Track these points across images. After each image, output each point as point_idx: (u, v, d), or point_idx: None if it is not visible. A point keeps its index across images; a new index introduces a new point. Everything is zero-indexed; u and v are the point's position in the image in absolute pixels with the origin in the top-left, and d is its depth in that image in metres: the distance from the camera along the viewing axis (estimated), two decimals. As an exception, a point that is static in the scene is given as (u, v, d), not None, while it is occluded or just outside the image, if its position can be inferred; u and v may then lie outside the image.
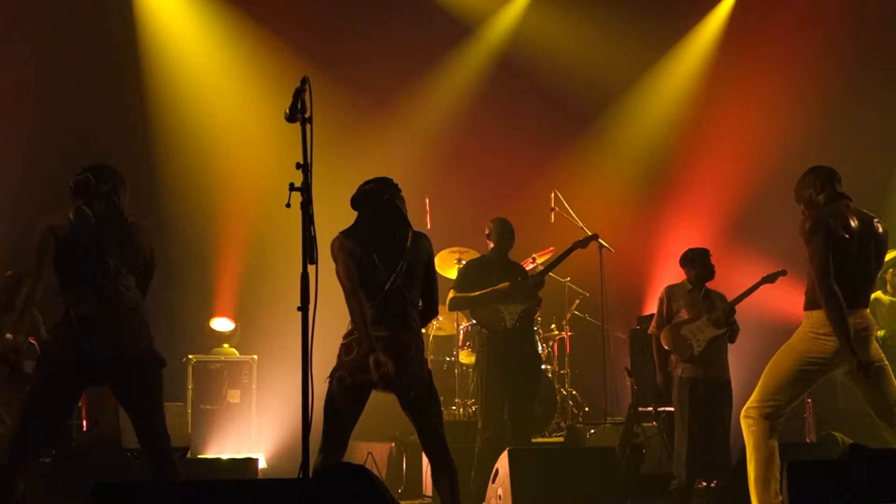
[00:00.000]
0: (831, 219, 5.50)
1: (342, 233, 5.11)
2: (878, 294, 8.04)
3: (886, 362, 5.58)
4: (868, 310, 5.61)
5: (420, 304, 5.21)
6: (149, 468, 5.09)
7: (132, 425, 5.15)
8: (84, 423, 7.70)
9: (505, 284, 7.23)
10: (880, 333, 7.54)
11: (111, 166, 5.17)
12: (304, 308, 4.07)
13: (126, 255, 5.02)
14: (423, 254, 5.15)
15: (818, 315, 5.48)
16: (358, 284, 4.96)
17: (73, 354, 4.85)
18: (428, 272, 5.22)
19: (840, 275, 5.44)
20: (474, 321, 7.43)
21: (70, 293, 4.93)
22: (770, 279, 7.42)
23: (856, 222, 5.53)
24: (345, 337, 5.05)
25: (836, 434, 6.92)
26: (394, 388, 5.02)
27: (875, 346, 5.57)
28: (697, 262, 7.38)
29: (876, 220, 5.64)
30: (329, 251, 5.05)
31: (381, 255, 5.05)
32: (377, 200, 5.10)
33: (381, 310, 4.99)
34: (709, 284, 7.43)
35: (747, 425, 5.60)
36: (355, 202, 5.15)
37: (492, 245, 7.52)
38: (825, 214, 5.55)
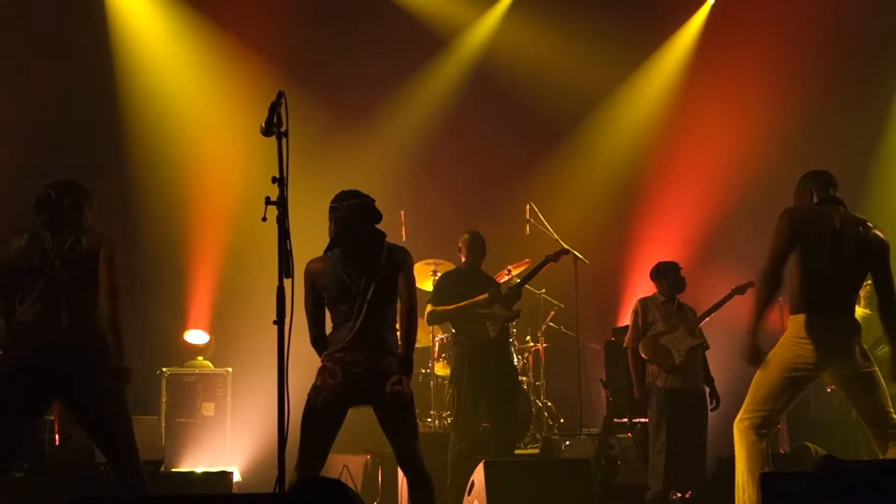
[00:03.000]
0: (805, 218, 5.53)
1: (314, 259, 5.12)
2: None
3: (875, 368, 5.56)
4: (853, 315, 5.61)
5: (400, 310, 5.19)
6: (116, 484, 5.05)
7: (95, 442, 5.11)
8: (56, 437, 7.63)
9: (484, 295, 7.28)
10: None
11: (74, 181, 5.17)
12: (279, 322, 4.07)
13: (85, 268, 4.99)
14: (396, 269, 5.13)
15: (801, 319, 5.47)
16: (317, 319, 5.06)
17: (27, 368, 4.83)
18: (406, 284, 5.15)
19: (813, 276, 5.46)
20: (455, 331, 7.46)
21: (25, 307, 4.92)
22: (740, 291, 7.48)
23: (839, 226, 5.53)
24: (324, 355, 5.07)
25: (808, 445, 6.97)
26: (373, 403, 5.03)
27: (863, 351, 5.53)
28: (669, 276, 7.44)
29: (872, 227, 5.58)
30: (308, 253, 5.07)
31: (357, 274, 5.05)
32: (355, 223, 5.10)
33: (359, 337, 4.99)
34: (681, 296, 7.49)
35: (738, 434, 5.57)
36: (336, 219, 5.15)
37: (464, 258, 7.58)
38: (799, 211, 5.58)
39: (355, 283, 5.03)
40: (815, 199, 5.65)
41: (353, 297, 5.03)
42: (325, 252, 5.12)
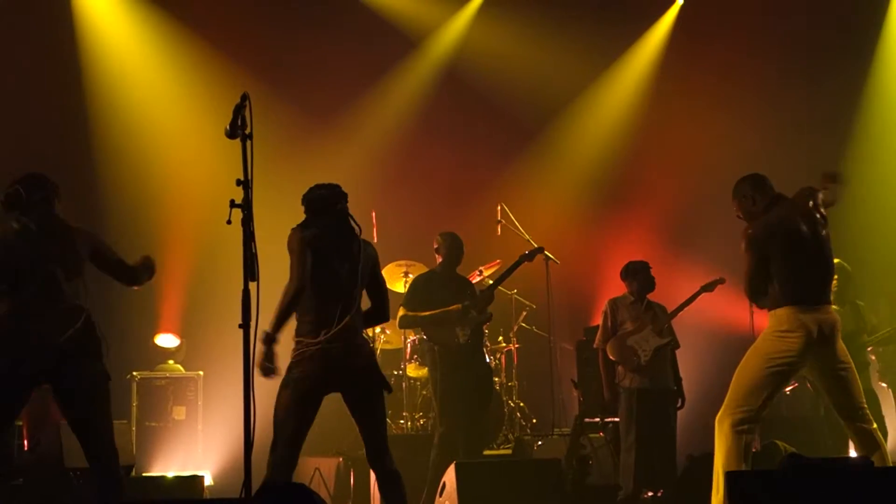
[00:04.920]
0: (766, 232, 5.58)
1: (300, 226, 5.15)
2: None
3: (852, 364, 5.63)
4: (831, 309, 5.66)
5: (371, 308, 5.32)
6: (93, 487, 5.03)
7: (79, 441, 5.10)
8: (25, 442, 7.57)
9: (457, 306, 7.25)
10: None
11: (42, 174, 5.15)
12: (245, 325, 4.06)
13: (69, 263, 4.99)
14: (369, 262, 5.24)
15: (781, 313, 5.52)
16: (307, 273, 5.00)
17: (15, 364, 4.80)
18: (376, 279, 5.33)
19: (789, 272, 5.51)
20: (425, 337, 7.44)
21: (14, 302, 4.88)
22: (709, 288, 7.54)
23: (798, 221, 5.59)
24: (300, 341, 5.08)
25: (777, 442, 7.00)
26: (344, 389, 5.09)
27: (842, 347, 5.61)
28: (640, 275, 7.47)
29: (818, 192, 5.68)
30: (276, 256, 5.09)
31: (339, 262, 5.11)
32: (332, 208, 5.17)
33: (338, 318, 5.04)
34: (651, 295, 7.52)
35: (718, 431, 5.59)
36: (309, 205, 5.20)
37: (440, 259, 7.53)
38: (762, 226, 5.62)
39: (342, 269, 5.07)
40: (759, 203, 5.70)
41: (338, 285, 5.05)
42: (303, 226, 5.14)
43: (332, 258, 5.11)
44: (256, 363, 4.71)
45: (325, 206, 5.18)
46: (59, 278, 4.94)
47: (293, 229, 5.14)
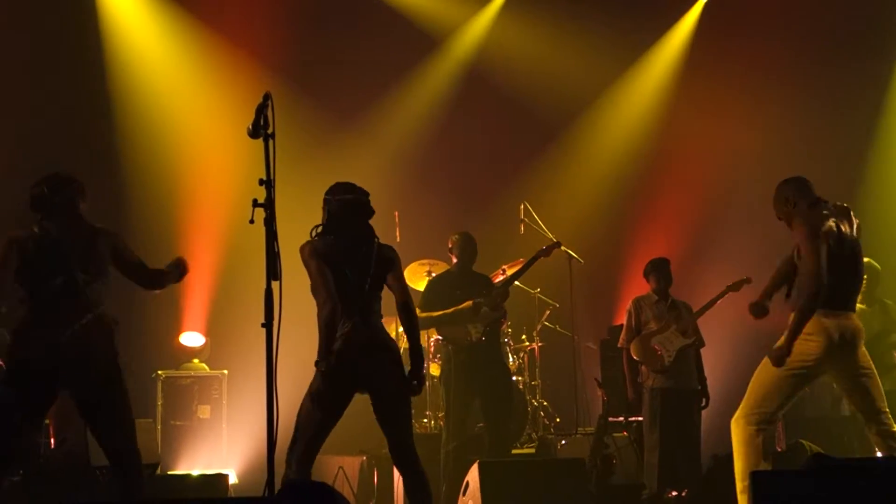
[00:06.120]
0: (825, 221, 5.54)
1: (314, 237, 5.17)
2: None
3: (873, 368, 5.61)
4: (855, 315, 5.63)
5: (398, 307, 5.32)
6: (116, 486, 5.06)
7: (97, 441, 5.13)
8: (52, 440, 7.63)
9: (468, 303, 7.26)
10: None
11: (67, 174, 5.16)
12: (268, 325, 4.07)
13: (91, 265, 5.01)
14: (383, 263, 5.22)
15: None
16: (333, 290, 5.00)
17: (39, 365, 4.84)
18: (397, 279, 5.30)
19: (833, 281, 5.48)
20: (440, 337, 7.45)
21: (36, 305, 4.92)
22: (735, 288, 7.49)
23: (838, 226, 5.58)
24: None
25: (803, 442, 6.97)
26: (372, 390, 5.11)
27: (863, 352, 5.59)
28: (660, 272, 7.44)
29: (850, 211, 5.69)
30: (297, 260, 5.08)
31: (352, 267, 5.12)
32: (353, 220, 5.15)
33: (359, 315, 5.09)
34: (676, 294, 7.49)
35: (735, 430, 5.59)
36: (332, 212, 5.20)
37: (455, 259, 7.56)
38: (819, 217, 5.58)
39: (353, 274, 5.06)
40: (803, 203, 5.66)
41: (350, 288, 5.04)
42: (318, 237, 5.15)
43: (343, 264, 5.10)
44: (315, 394, 4.90)
45: (348, 217, 5.18)
46: (78, 282, 4.94)
47: (306, 243, 5.14)
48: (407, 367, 5.31)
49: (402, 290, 5.29)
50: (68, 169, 5.37)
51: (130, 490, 4.95)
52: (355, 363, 5.04)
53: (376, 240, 5.25)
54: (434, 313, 7.29)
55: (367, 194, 5.28)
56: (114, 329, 5.06)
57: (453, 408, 7.23)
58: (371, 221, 5.31)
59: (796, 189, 5.74)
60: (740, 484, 5.55)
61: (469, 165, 10.84)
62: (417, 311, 7.28)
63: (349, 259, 5.12)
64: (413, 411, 5.42)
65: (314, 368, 5.07)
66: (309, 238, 5.20)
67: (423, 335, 8.96)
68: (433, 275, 8.68)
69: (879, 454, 5.62)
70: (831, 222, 5.58)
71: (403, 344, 9.14)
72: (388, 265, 5.24)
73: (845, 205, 5.74)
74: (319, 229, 5.23)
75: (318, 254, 5.07)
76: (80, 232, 5.05)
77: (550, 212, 9.32)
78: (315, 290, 5.06)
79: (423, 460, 5.22)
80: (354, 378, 5.09)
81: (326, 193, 5.28)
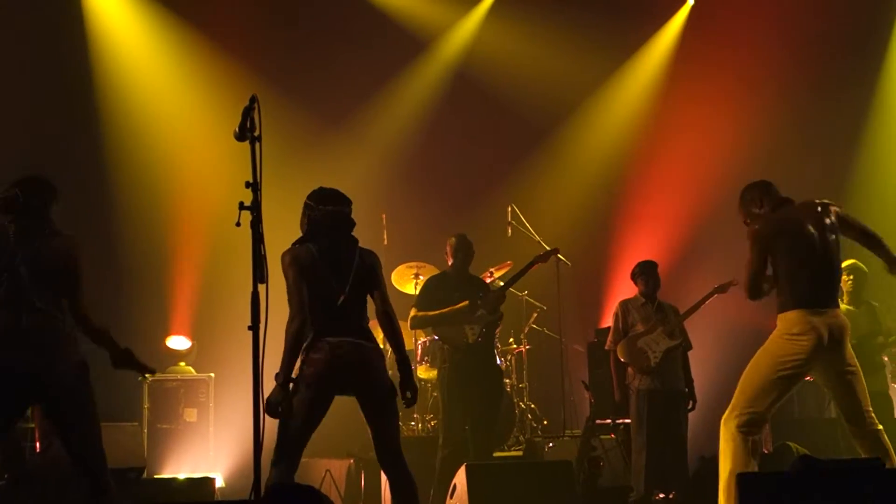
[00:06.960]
0: (772, 229, 5.57)
1: (293, 247, 5.13)
2: None
3: (859, 367, 5.62)
4: (839, 311, 5.64)
5: (377, 312, 5.28)
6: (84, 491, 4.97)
7: (61, 444, 5.04)
8: (37, 444, 7.59)
9: (465, 303, 7.26)
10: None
11: (43, 179, 5.04)
12: (254, 328, 4.05)
13: (42, 269, 4.88)
14: (364, 269, 5.19)
15: (790, 316, 5.51)
16: (305, 304, 4.98)
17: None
18: (376, 285, 5.25)
19: (797, 275, 5.49)
20: (436, 337, 7.44)
21: None
22: (721, 290, 7.52)
23: (805, 222, 5.58)
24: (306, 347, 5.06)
25: (790, 444, 6.98)
26: (357, 394, 5.08)
27: (849, 350, 5.60)
28: (648, 275, 7.46)
29: (830, 205, 5.66)
30: (279, 266, 5.06)
31: (334, 274, 5.09)
32: (333, 229, 5.15)
33: (341, 321, 5.06)
34: (663, 296, 7.52)
35: (724, 431, 5.59)
36: (313, 223, 5.17)
37: (451, 261, 7.53)
38: (769, 222, 5.61)
39: (335, 282, 5.05)
40: (766, 207, 5.68)
41: (332, 296, 5.04)
42: (299, 244, 5.13)
43: (324, 271, 5.08)
44: (267, 403, 4.71)
45: (328, 226, 5.16)
46: (25, 285, 4.80)
47: (287, 251, 5.10)
48: (391, 372, 5.30)
49: (384, 300, 5.24)
50: (54, 171, 5.32)
51: (97, 496, 4.87)
52: (336, 373, 5.02)
53: (359, 246, 5.24)
54: (430, 312, 7.28)
55: (349, 203, 5.24)
56: (72, 335, 4.93)
57: (447, 413, 7.20)
58: (358, 224, 5.28)
59: (760, 191, 5.76)
60: (722, 483, 5.54)
61: (456, 168, 10.84)
62: (413, 310, 7.33)
63: (331, 267, 5.10)
64: (400, 414, 5.41)
65: (298, 372, 5.05)
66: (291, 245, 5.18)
67: (410, 338, 8.99)
68: (421, 277, 8.68)
69: (863, 455, 5.62)
70: (798, 220, 5.59)
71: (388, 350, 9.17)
72: (370, 273, 5.21)
73: (823, 200, 5.73)
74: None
75: (299, 263, 5.04)
76: (39, 236, 4.91)
77: (538, 214, 9.33)
78: (289, 301, 5.04)
79: (411, 463, 5.19)
80: (336, 387, 5.07)
81: (309, 198, 5.24)
